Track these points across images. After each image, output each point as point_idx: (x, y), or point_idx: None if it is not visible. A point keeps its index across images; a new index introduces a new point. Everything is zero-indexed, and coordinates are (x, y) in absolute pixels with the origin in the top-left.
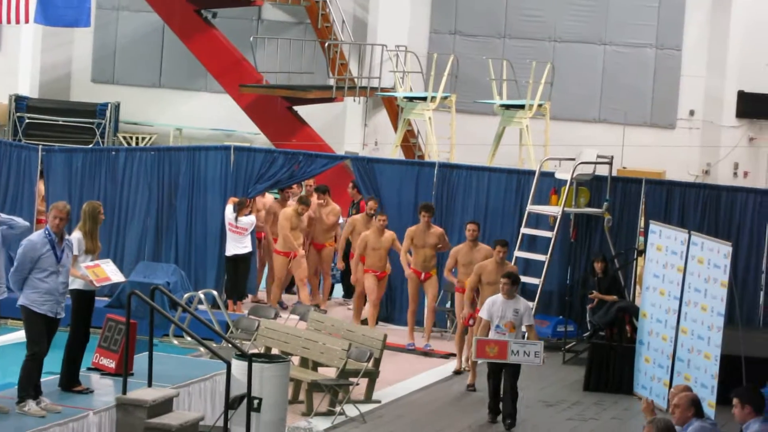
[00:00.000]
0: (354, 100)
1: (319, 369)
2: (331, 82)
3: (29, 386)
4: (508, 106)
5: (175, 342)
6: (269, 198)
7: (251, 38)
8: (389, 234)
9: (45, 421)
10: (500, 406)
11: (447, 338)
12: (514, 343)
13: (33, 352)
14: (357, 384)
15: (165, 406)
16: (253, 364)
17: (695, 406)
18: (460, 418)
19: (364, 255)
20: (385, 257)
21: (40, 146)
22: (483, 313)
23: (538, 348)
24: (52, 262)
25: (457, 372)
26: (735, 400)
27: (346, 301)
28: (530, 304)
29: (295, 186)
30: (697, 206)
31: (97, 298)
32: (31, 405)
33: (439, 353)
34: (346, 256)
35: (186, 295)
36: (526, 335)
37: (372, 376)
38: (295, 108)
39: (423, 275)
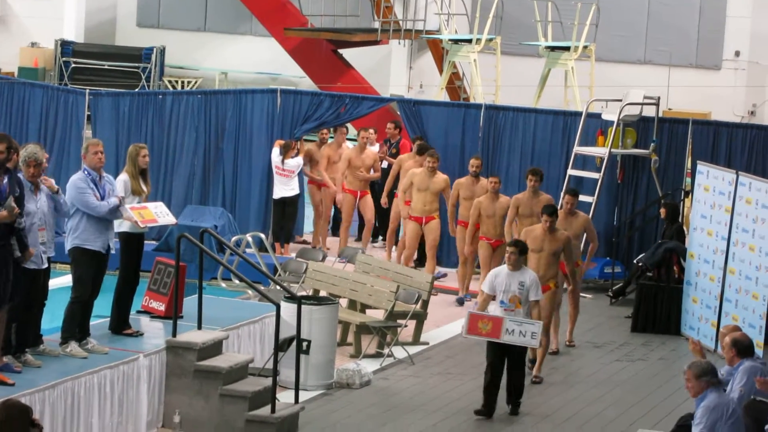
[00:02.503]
0: (399, 43)
1: (367, 311)
2: (376, 24)
3: (72, 328)
4: (553, 48)
5: (224, 285)
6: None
7: None
8: (504, 199)
9: (96, 364)
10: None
11: None
12: (510, 320)
13: (77, 295)
14: (405, 326)
15: (215, 348)
16: (302, 307)
17: (736, 347)
18: None
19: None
20: (500, 224)
21: (87, 90)
22: (485, 286)
23: (536, 328)
24: (98, 198)
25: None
26: None
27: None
28: (536, 276)
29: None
30: (744, 147)
31: (146, 241)
32: (73, 346)
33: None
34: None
35: (234, 238)
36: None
37: (420, 318)
38: (340, 51)
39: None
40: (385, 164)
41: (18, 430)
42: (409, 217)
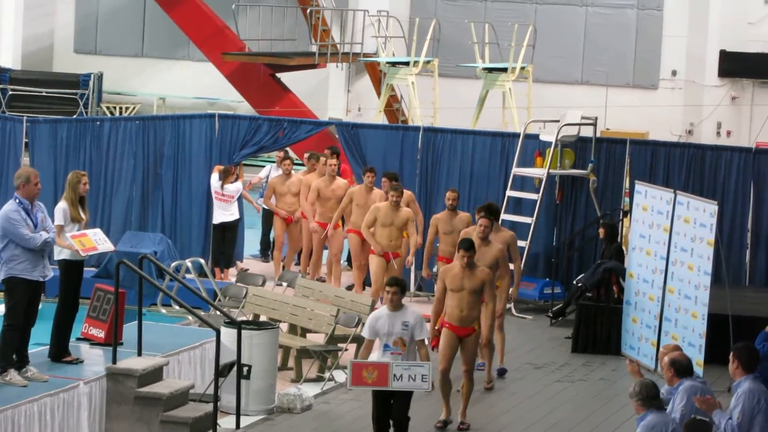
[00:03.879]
0: (337, 66)
1: (308, 335)
2: (314, 48)
3: (9, 355)
4: (490, 70)
5: (164, 311)
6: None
7: (233, 6)
8: (406, 210)
9: (36, 392)
10: None
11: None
12: (396, 365)
13: (10, 323)
14: (346, 350)
15: (155, 374)
16: (242, 332)
17: (674, 366)
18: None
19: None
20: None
21: (25, 117)
22: (366, 332)
23: (426, 370)
24: (31, 229)
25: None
26: (731, 355)
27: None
28: (420, 313)
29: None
30: (682, 166)
31: (85, 268)
32: (12, 374)
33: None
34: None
35: (173, 264)
36: (416, 354)
37: (361, 341)
38: (278, 75)
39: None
40: None
41: None
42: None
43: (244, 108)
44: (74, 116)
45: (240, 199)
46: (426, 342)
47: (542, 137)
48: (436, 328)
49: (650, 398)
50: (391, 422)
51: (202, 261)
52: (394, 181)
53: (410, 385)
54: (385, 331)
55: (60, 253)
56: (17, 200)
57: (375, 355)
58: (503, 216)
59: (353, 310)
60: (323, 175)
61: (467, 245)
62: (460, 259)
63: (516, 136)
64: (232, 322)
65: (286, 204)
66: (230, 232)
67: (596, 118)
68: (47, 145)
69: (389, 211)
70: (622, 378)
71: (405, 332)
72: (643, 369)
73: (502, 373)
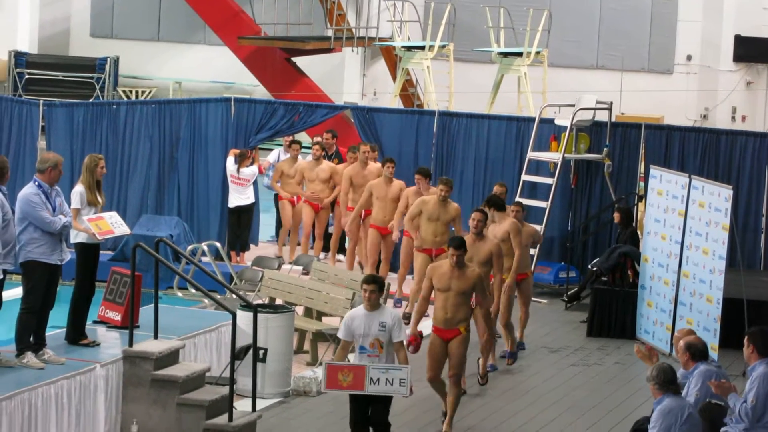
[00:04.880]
0: (352, 51)
1: (324, 319)
2: (329, 32)
3: (26, 338)
4: (506, 54)
5: (180, 294)
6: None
7: None
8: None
9: (53, 374)
10: None
11: None
12: (372, 368)
13: (28, 305)
14: None
15: (171, 357)
16: (258, 315)
17: (689, 350)
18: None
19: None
20: (441, 232)
21: (41, 101)
22: (341, 332)
23: (404, 374)
24: (50, 212)
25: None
26: (745, 339)
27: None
28: (399, 313)
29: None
30: (697, 151)
31: (101, 251)
32: (30, 357)
33: None
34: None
35: (189, 247)
36: (395, 357)
37: None
38: (294, 59)
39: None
40: None
41: None
42: (418, 249)
43: (260, 92)
44: (90, 100)
45: (256, 182)
46: (404, 343)
47: (557, 122)
48: (418, 330)
49: (667, 382)
50: (370, 428)
51: (218, 244)
52: (442, 177)
53: (387, 389)
54: (361, 332)
55: (76, 237)
56: (37, 183)
57: (352, 357)
58: (518, 200)
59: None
60: (364, 164)
61: (457, 244)
62: (450, 258)
63: (531, 120)
64: (247, 306)
65: (305, 188)
66: (246, 216)
67: (611, 103)
68: (63, 128)
69: (437, 205)
70: (637, 362)
71: (382, 333)
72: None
73: (513, 355)
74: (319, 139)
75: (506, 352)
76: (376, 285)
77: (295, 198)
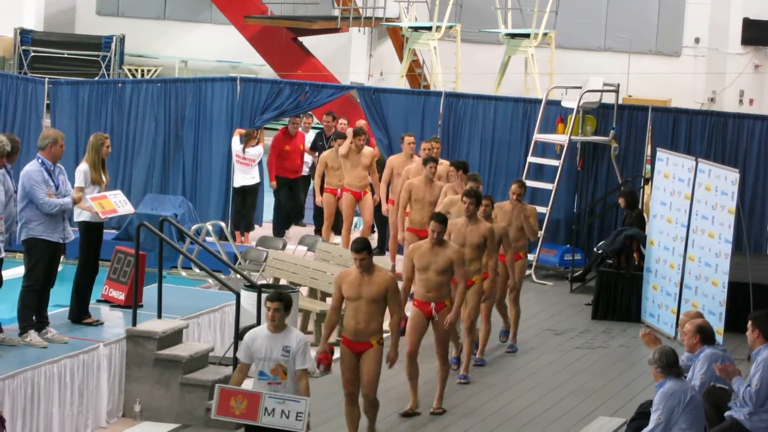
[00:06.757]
0: (359, 31)
1: (328, 299)
2: (336, 12)
3: (29, 316)
4: (513, 35)
5: (184, 274)
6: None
7: None
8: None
9: (56, 353)
10: None
11: None
12: (269, 397)
13: (30, 283)
14: None
15: (175, 337)
16: (262, 295)
17: (701, 333)
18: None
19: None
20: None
21: (47, 79)
22: (240, 353)
23: (302, 407)
24: (52, 191)
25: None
26: (750, 324)
27: None
28: (305, 338)
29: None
30: (704, 134)
31: (105, 230)
32: (33, 335)
33: None
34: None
35: (194, 227)
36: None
37: None
38: (300, 39)
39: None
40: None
41: None
42: (409, 229)
43: (266, 71)
44: (96, 78)
45: (261, 162)
46: (309, 371)
47: (564, 103)
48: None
49: (669, 366)
50: None
51: (222, 224)
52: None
53: (282, 422)
54: (262, 355)
55: (80, 215)
56: (40, 161)
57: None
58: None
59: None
60: (410, 156)
61: (440, 218)
62: (430, 233)
63: (538, 102)
64: (251, 286)
65: (351, 177)
66: (251, 196)
67: (618, 85)
68: (68, 106)
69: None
70: (642, 345)
71: (285, 359)
72: (662, 337)
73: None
74: (361, 123)
75: (454, 359)
76: (281, 303)
77: (338, 190)
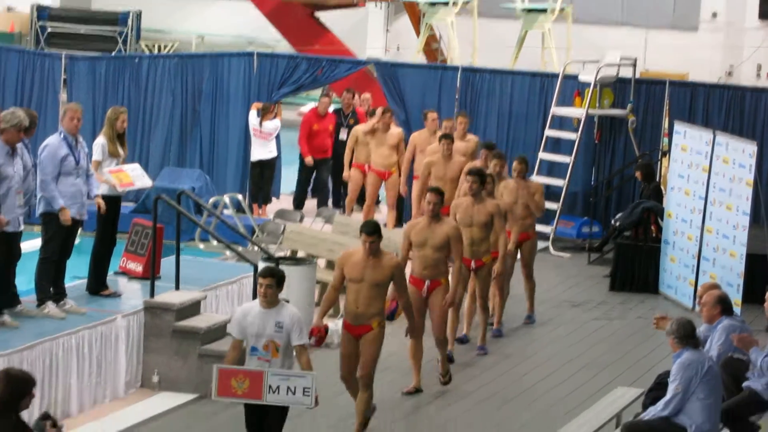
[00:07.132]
0: (376, 6)
1: None
2: None
3: (46, 288)
4: (530, 10)
5: (201, 246)
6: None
7: None
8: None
9: (74, 325)
10: None
11: None
12: (272, 374)
13: (46, 255)
14: None
15: (192, 308)
16: (280, 267)
17: (722, 304)
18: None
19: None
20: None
21: (63, 54)
22: (233, 329)
23: (308, 382)
24: (73, 165)
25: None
26: (767, 295)
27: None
28: (298, 313)
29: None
30: (721, 107)
31: (123, 203)
32: (51, 307)
33: None
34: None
35: (211, 200)
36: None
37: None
38: (317, 14)
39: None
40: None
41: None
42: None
43: (283, 46)
44: (113, 54)
45: (278, 136)
46: (307, 347)
47: (581, 78)
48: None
49: (686, 336)
50: None
51: (240, 197)
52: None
53: (289, 399)
54: (254, 331)
55: (98, 188)
56: (62, 134)
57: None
58: (541, 155)
59: (390, 246)
60: (433, 132)
61: (436, 190)
62: (426, 204)
63: (555, 76)
64: (269, 257)
65: (377, 156)
66: (268, 170)
67: (635, 59)
68: (86, 81)
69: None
70: None
71: (278, 335)
72: (680, 308)
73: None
74: (367, 96)
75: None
76: (273, 279)
77: (366, 166)
